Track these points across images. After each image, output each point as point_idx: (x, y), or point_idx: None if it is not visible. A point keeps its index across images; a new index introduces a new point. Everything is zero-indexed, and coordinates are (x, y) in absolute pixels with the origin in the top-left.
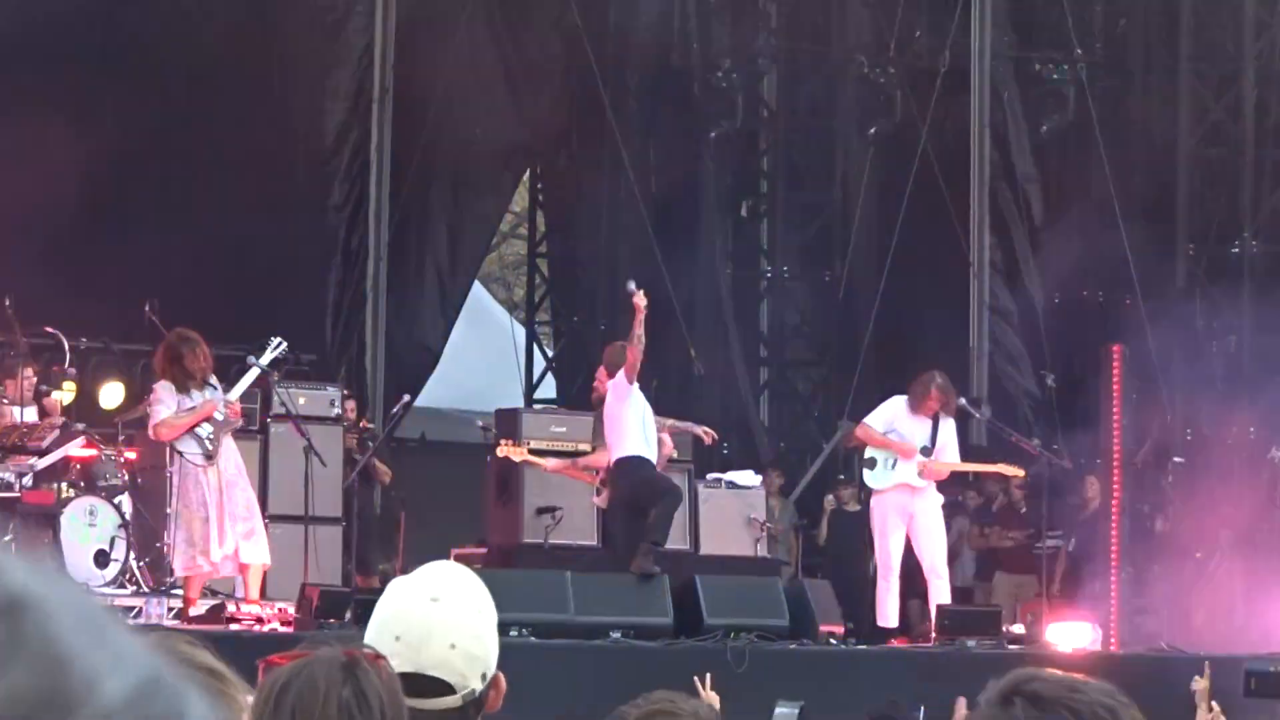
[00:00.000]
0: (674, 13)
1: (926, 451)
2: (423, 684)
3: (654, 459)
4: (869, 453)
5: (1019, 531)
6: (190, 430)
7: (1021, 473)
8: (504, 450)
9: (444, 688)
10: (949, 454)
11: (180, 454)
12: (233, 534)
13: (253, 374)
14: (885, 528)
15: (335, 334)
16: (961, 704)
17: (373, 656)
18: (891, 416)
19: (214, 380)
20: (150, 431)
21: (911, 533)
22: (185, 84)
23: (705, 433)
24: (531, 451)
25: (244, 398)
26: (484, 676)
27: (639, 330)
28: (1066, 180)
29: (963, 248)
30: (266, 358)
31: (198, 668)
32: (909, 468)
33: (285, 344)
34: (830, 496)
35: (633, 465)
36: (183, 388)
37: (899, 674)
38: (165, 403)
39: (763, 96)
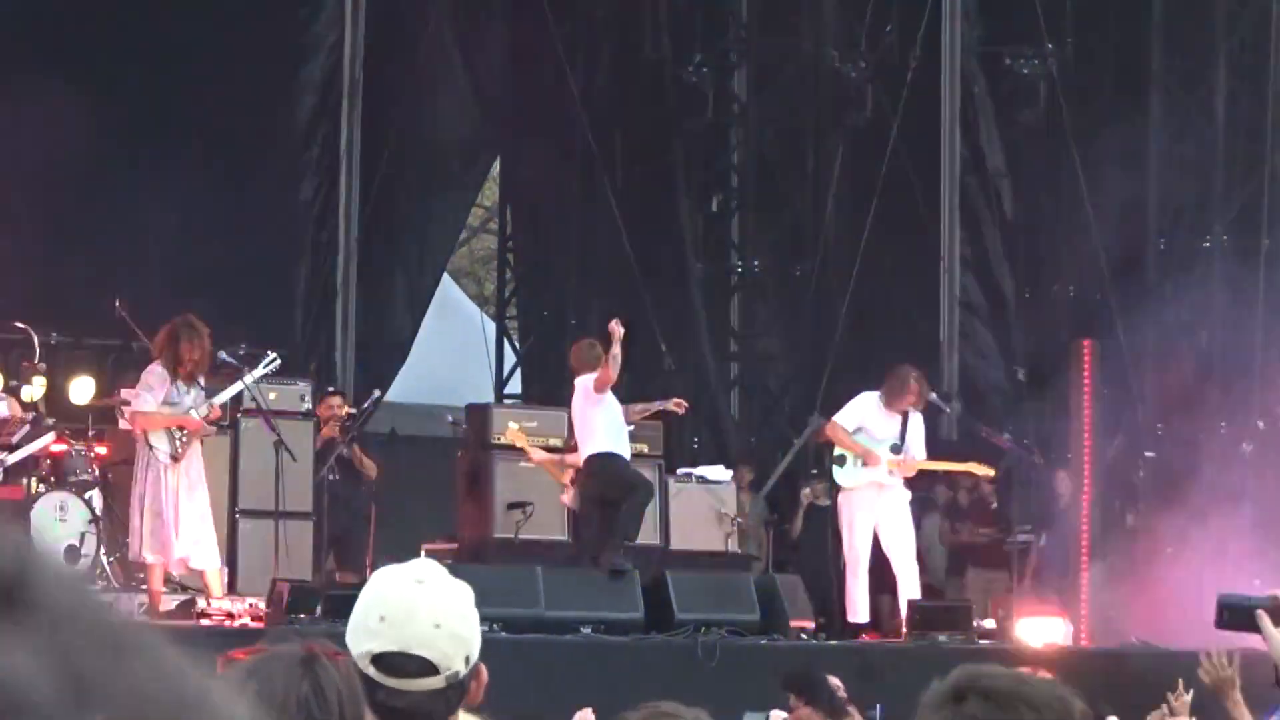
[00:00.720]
0: (645, 6)
1: (896, 449)
2: (407, 663)
3: (626, 455)
4: (839, 450)
5: (990, 528)
6: (165, 429)
7: (992, 472)
8: (511, 436)
9: (428, 667)
10: (915, 449)
11: (151, 447)
12: (187, 537)
13: (237, 388)
14: (853, 524)
15: (305, 328)
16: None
17: (331, 652)
18: (862, 413)
19: (202, 381)
20: (127, 413)
21: (879, 528)
22: (153, 78)
23: (676, 404)
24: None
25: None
26: (468, 660)
27: (616, 351)
28: (1037, 174)
29: (933, 242)
30: (258, 373)
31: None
32: (879, 465)
33: (280, 361)
34: (807, 490)
35: (601, 462)
36: (173, 374)
37: (870, 669)
38: (154, 391)
39: (734, 91)
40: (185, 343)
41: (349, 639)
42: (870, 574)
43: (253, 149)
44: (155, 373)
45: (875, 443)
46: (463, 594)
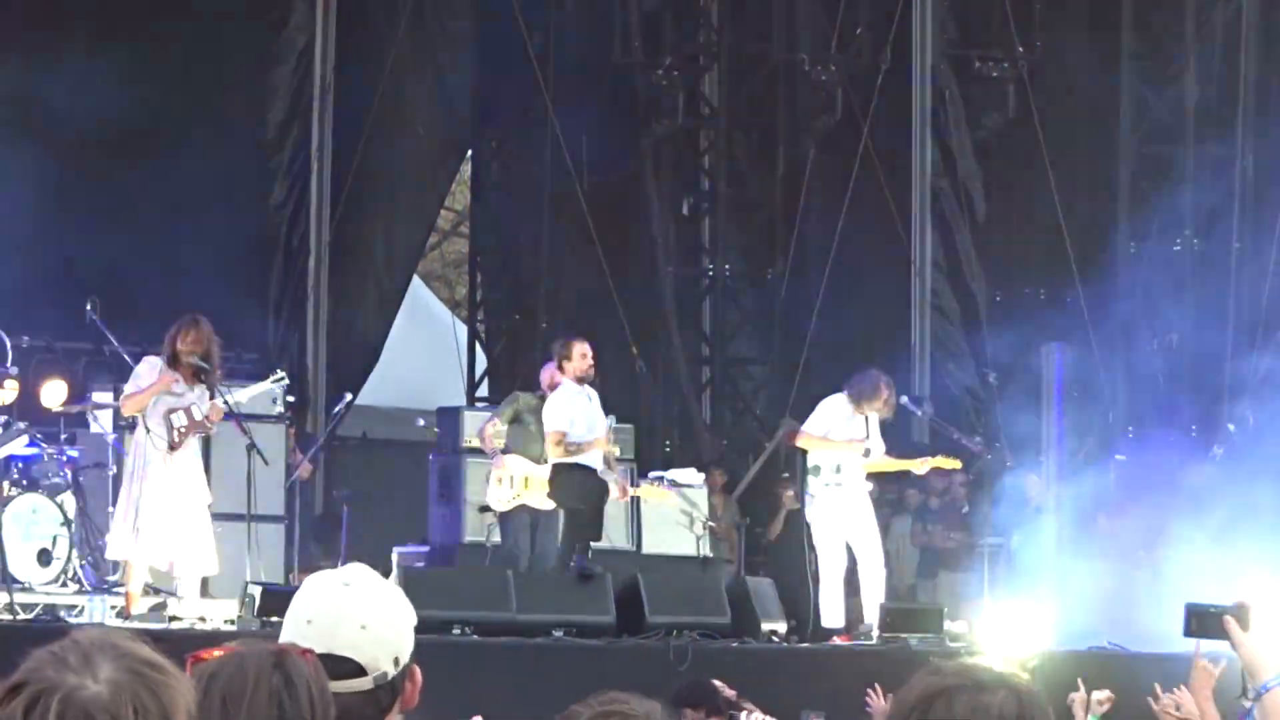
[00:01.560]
0: (614, 10)
1: (868, 453)
2: (334, 665)
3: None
4: (812, 460)
5: (960, 531)
6: (164, 416)
7: (959, 464)
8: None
9: (355, 669)
10: (877, 450)
11: (148, 431)
12: (167, 531)
13: (240, 394)
14: (826, 530)
15: (276, 332)
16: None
17: (300, 650)
18: (829, 419)
19: (204, 375)
20: (121, 402)
21: (848, 533)
22: (125, 80)
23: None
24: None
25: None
26: (396, 661)
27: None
28: (1008, 177)
29: (904, 245)
30: (265, 386)
31: (138, 661)
32: (854, 472)
33: (286, 380)
34: (789, 493)
35: (559, 469)
36: (174, 367)
37: (841, 672)
38: (142, 377)
39: (704, 94)
40: (184, 331)
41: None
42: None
43: (223, 153)
44: (146, 362)
45: (847, 447)
46: (392, 597)
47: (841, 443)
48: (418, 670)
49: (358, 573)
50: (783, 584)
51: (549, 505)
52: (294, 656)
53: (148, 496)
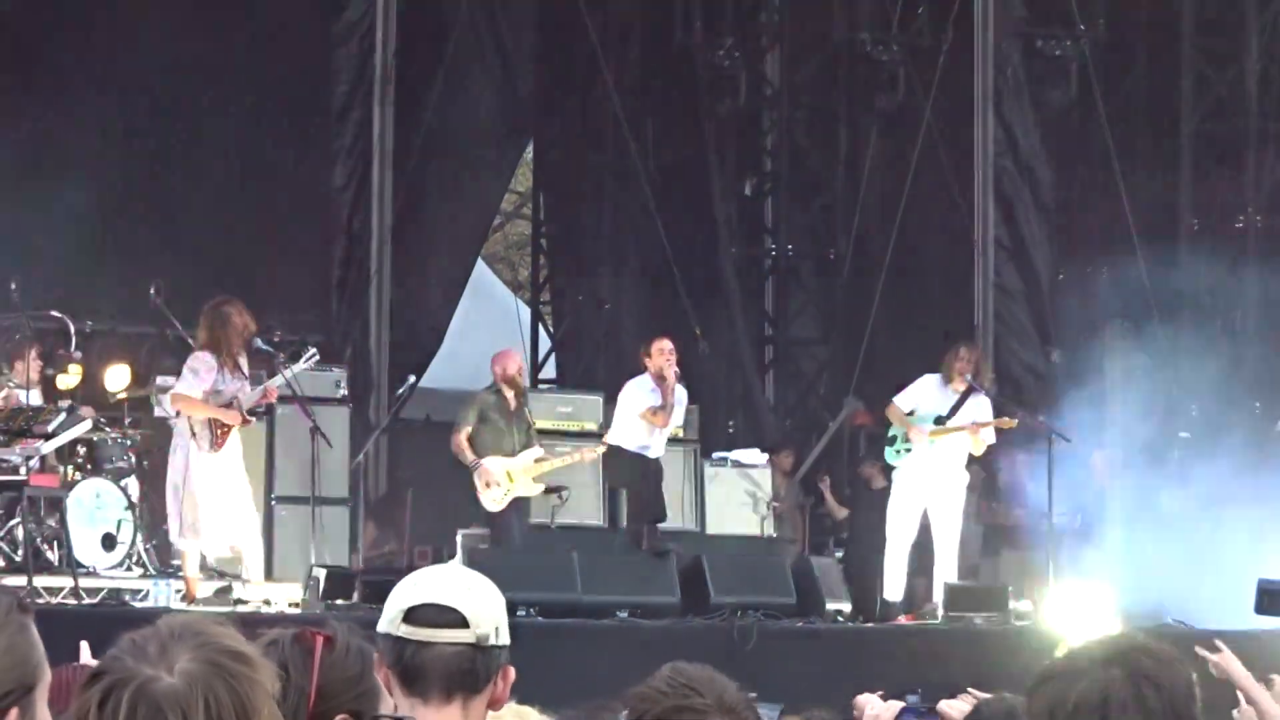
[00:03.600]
0: None
1: (940, 420)
2: (436, 615)
3: (646, 447)
4: (891, 430)
5: (1023, 510)
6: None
7: (1014, 422)
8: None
9: (458, 619)
10: (985, 431)
11: (193, 434)
12: (225, 521)
13: (278, 381)
14: (901, 502)
15: (340, 315)
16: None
17: (315, 634)
18: (920, 395)
19: (246, 369)
20: (169, 396)
21: (930, 509)
22: (188, 64)
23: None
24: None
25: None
26: (497, 631)
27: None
28: (1070, 156)
29: (967, 224)
30: (299, 368)
31: (219, 651)
32: (920, 440)
33: (318, 354)
34: (864, 468)
35: (612, 453)
36: (221, 356)
37: (906, 651)
38: (199, 375)
39: (765, 75)
40: (234, 319)
41: (382, 622)
42: (912, 555)
43: (286, 135)
44: (202, 359)
45: (925, 421)
46: (494, 587)
47: (912, 420)
48: (511, 670)
49: (460, 565)
50: (860, 563)
51: (538, 489)
52: (306, 636)
53: (201, 487)
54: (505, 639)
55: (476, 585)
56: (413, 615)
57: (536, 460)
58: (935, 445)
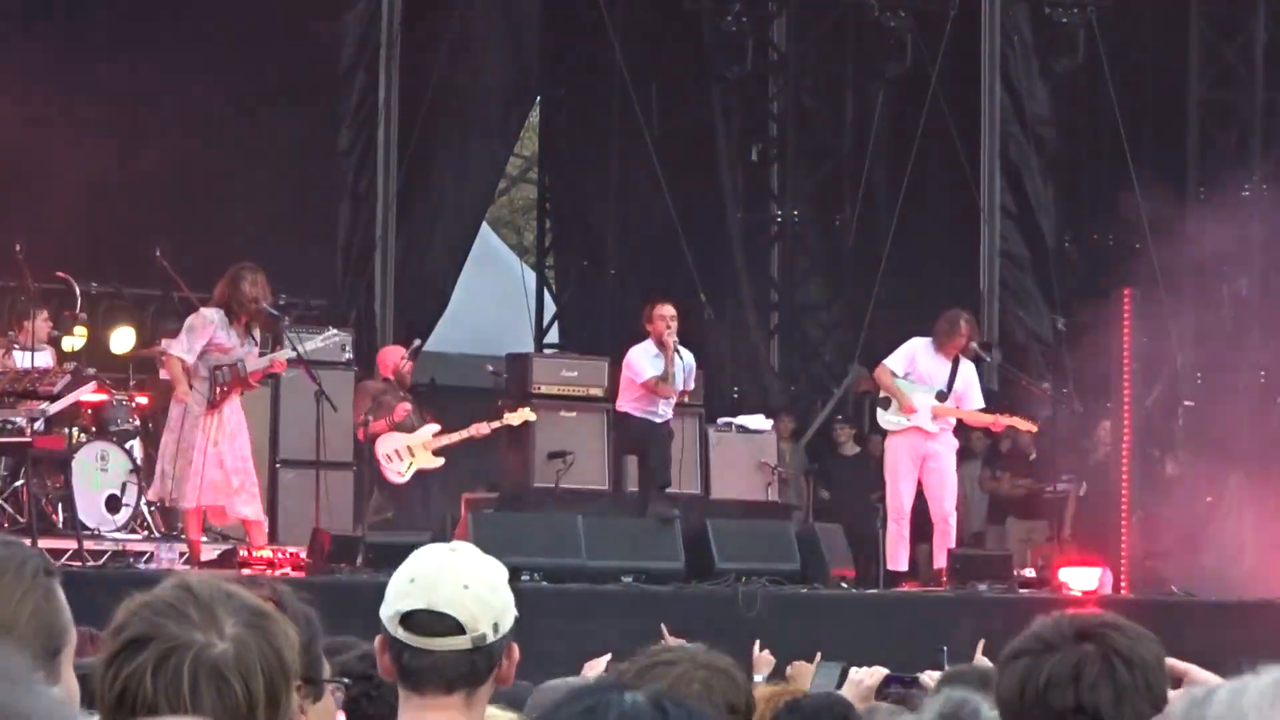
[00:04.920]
0: None
1: (942, 396)
2: (433, 621)
3: (653, 411)
4: (884, 393)
5: (1028, 478)
6: (211, 371)
7: (1034, 427)
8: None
9: (454, 626)
10: (971, 396)
11: (190, 387)
12: (228, 484)
13: (286, 353)
14: (897, 470)
15: (344, 279)
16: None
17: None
18: (911, 357)
19: (257, 335)
20: (161, 352)
21: (923, 476)
22: (193, 27)
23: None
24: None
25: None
26: (496, 627)
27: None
28: (1077, 123)
29: (973, 191)
30: (311, 345)
31: (253, 613)
32: (923, 410)
33: (338, 338)
34: (837, 432)
35: (621, 418)
36: (232, 318)
37: (911, 618)
38: (196, 334)
39: (772, 40)
40: (244, 286)
41: (383, 610)
42: (911, 522)
43: (291, 98)
44: (202, 316)
45: (922, 388)
46: (495, 568)
47: (906, 389)
48: (516, 648)
49: (464, 545)
50: (845, 529)
51: (439, 462)
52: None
53: (198, 447)
54: (507, 627)
55: (475, 580)
56: (409, 621)
57: (435, 434)
58: (927, 410)
